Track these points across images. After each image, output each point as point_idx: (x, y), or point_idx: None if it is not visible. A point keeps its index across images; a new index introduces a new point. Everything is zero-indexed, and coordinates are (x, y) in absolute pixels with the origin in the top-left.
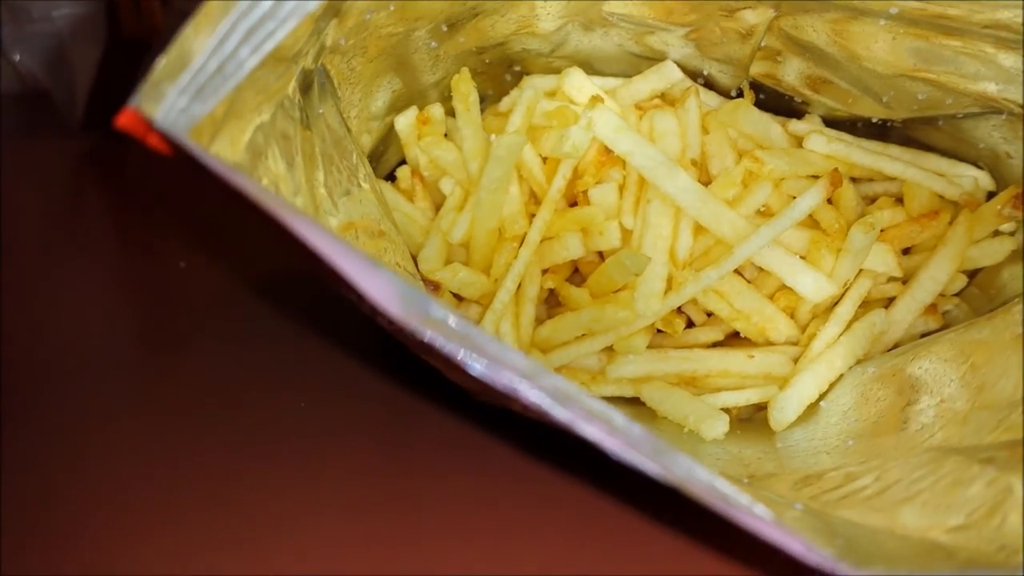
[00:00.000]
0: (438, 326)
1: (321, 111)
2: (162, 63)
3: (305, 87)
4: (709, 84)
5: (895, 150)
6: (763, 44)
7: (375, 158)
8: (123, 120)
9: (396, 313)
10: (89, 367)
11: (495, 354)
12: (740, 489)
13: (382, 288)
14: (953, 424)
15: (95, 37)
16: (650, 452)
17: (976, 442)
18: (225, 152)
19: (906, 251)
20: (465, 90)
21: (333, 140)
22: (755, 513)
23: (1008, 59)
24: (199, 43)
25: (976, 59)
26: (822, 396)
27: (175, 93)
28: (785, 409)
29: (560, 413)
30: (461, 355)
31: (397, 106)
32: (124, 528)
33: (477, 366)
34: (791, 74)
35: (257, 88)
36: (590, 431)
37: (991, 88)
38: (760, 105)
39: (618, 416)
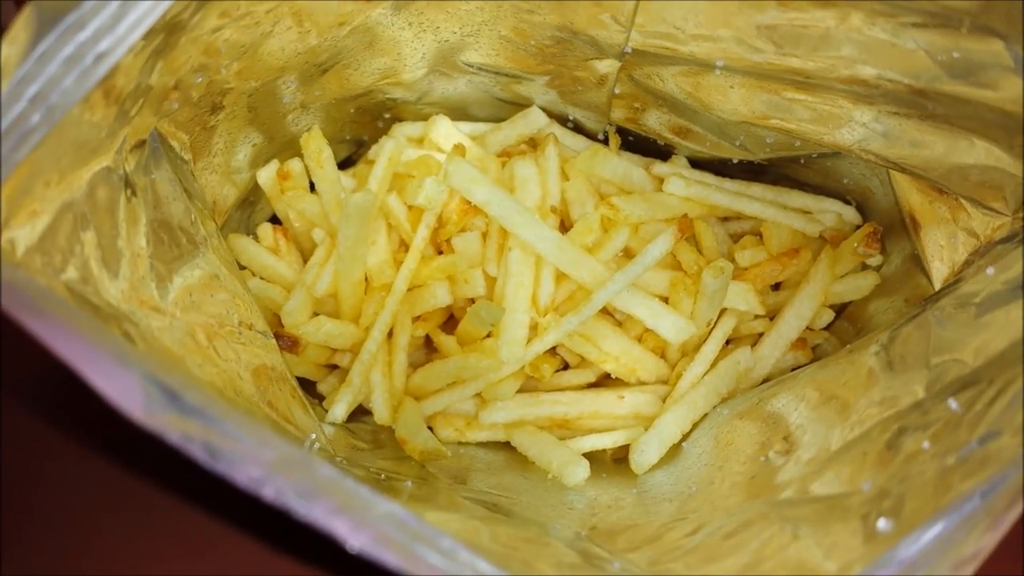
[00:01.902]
0: (186, 424)
1: (153, 176)
2: None
3: (133, 154)
4: (578, 128)
5: (757, 189)
6: (618, 91)
7: (247, 206)
8: None
9: (137, 415)
10: None
11: (247, 448)
12: (503, 566)
13: (125, 387)
14: (784, 472)
15: None
16: (402, 542)
17: (791, 495)
18: (24, 234)
19: (776, 286)
20: (315, 148)
21: (165, 206)
22: None
23: (860, 112)
24: None
25: (827, 111)
26: (685, 437)
27: None
28: (646, 452)
29: (300, 510)
30: (202, 455)
31: (261, 158)
32: None
33: (218, 466)
34: (652, 120)
35: (61, 165)
36: (333, 526)
37: (843, 137)
38: (629, 146)
39: (382, 504)
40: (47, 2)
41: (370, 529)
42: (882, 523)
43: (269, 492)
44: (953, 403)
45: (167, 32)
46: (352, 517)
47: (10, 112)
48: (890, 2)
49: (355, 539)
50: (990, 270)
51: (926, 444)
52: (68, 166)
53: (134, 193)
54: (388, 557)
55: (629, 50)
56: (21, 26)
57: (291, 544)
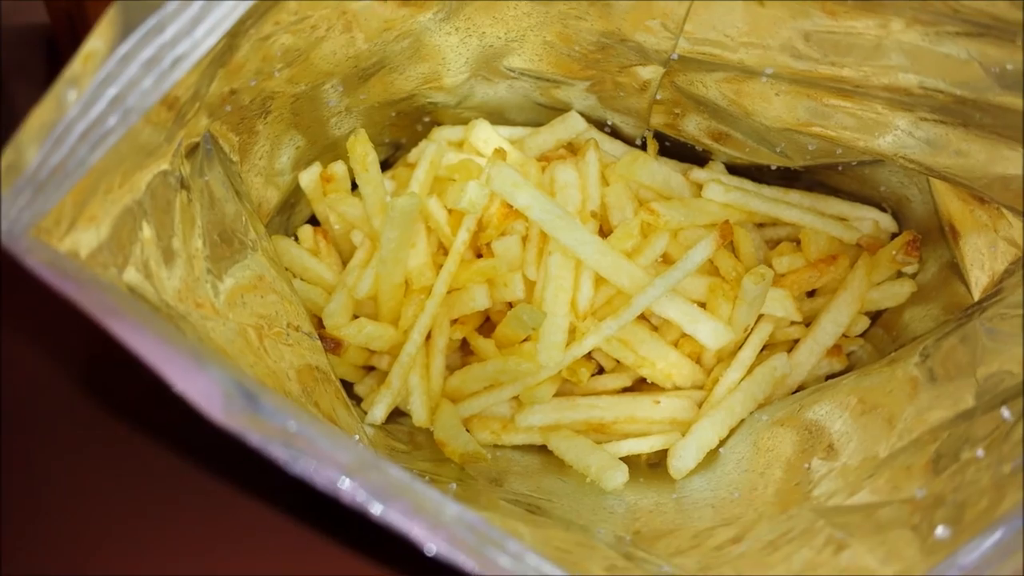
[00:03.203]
0: (264, 426)
1: (207, 178)
2: None
3: (188, 156)
4: (615, 133)
5: (795, 196)
6: (659, 97)
7: (287, 208)
8: None
9: (217, 416)
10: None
11: (323, 450)
12: (565, 570)
13: (205, 388)
14: (829, 480)
15: (35, 76)
16: (473, 545)
17: (839, 503)
18: (88, 237)
19: (812, 293)
20: (361, 151)
21: (219, 207)
22: None
23: (903, 120)
24: (32, 147)
25: (870, 119)
26: (722, 443)
27: (11, 196)
28: (684, 457)
29: (378, 511)
30: (284, 456)
31: (303, 161)
32: None
33: (297, 467)
34: (691, 125)
35: (124, 168)
36: (409, 528)
37: (885, 144)
38: (666, 151)
39: (451, 507)
40: (132, 2)
41: (444, 531)
42: (940, 530)
43: (347, 494)
44: (1006, 412)
45: (230, 36)
46: (427, 519)
47: (90, 113)
48: (943, 7)
49: (432, 541)
50: None
51: (980, 453)
52: (130, 169)
53: (190, 195)
54: (462, 559)
55: (676, 57)
56: (107, 24)
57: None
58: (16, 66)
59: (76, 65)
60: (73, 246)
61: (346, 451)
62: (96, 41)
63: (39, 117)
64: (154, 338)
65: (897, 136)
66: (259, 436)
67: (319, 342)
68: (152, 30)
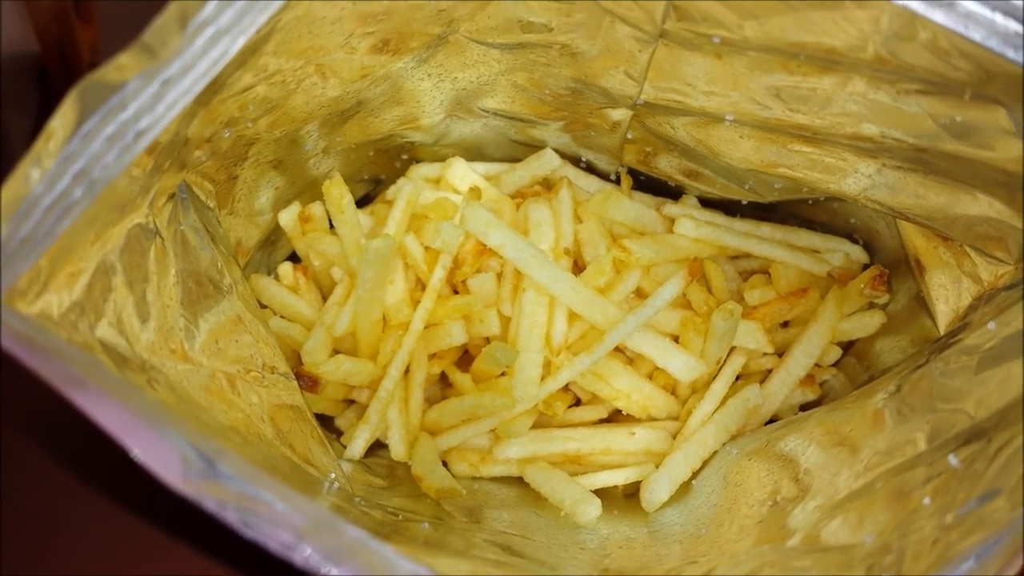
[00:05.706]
0: (221, 490)
1: (182, 227)
2: None
3: (163, 206)
4: (591, 168)
5: (766, 230)
6: (630, 136)
7: (268, 245)
8: None
9: (176, 483)
10: None
11: (279, 513)
12: None
13: (163, 455)
14: (791, 519)
15: (27, 104)
16: None
17: (796, 544)
18: (59, 299)
19: (785, 323)
20: (336, 195)
21: (193, 254)
22: None
23: (866, 166)
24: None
25: (833, 164)
26: (695, 475)
27: None
28: (656, 490)
29: (330, 572)
30: (236, 520)
31: (282, 200)
32: None
33: (251, 533)
34: (663, 163)
35: (97, 226)
36: None
37: (848, 187)
38: (641, 185)
39: (404, 565)
40: (91, 86)
41: None
42: None
43: (299, 558)
44: (953, 459)
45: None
46: None
47: (55, 188)
48: (896, 68)
49: None
50: (991, 325)
51: (927, 500)
52: (104, 226)
53: (163, 245)
54: None
55: (641, 102)
56: (69, 105)
57: None
58: (8, 95)
59: (39, 145)
60: (46, 307)
61: (301, 514)
62: (57, 121)
63: (7, 193)
64: (114, 406)
65: (860, 179)
66: (215, 501)
67: (295, 382)
68: (114, 108)
